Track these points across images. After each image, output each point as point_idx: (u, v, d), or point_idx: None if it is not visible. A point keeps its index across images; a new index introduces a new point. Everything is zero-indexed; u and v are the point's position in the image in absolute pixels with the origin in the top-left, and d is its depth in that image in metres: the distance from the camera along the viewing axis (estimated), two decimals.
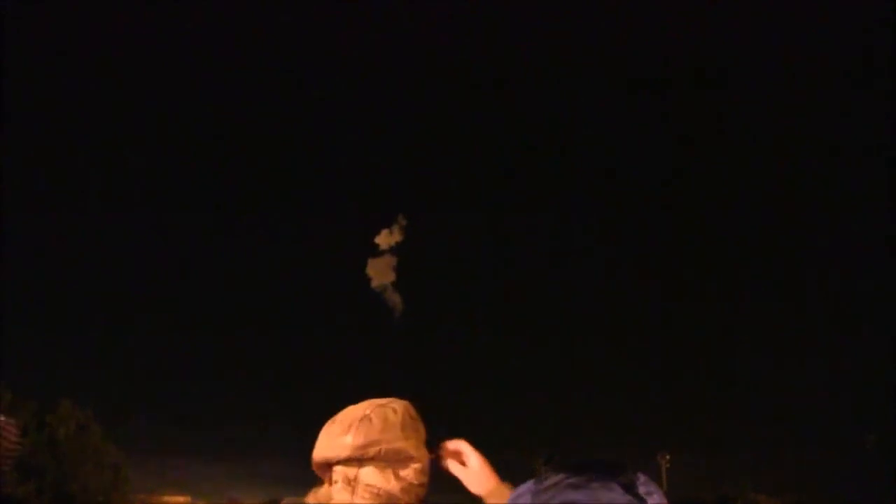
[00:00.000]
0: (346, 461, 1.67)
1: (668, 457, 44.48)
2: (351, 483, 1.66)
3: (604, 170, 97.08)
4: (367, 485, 1.65)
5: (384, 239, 68.70)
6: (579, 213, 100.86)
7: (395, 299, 71.04)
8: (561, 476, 1.05)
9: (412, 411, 1.78)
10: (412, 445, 1.71)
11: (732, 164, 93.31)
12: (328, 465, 1.71)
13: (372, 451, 1.66)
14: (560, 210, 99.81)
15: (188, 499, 63.29)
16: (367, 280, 70.17)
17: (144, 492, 40.50)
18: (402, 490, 1.67)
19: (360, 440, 1.66)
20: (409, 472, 1.69)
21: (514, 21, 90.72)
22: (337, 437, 1.69)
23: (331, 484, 1.72)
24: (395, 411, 1.74)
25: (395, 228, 68.90)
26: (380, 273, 70.09)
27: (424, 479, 1.71)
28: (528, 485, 1.07)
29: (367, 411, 1.72)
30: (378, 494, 1.65)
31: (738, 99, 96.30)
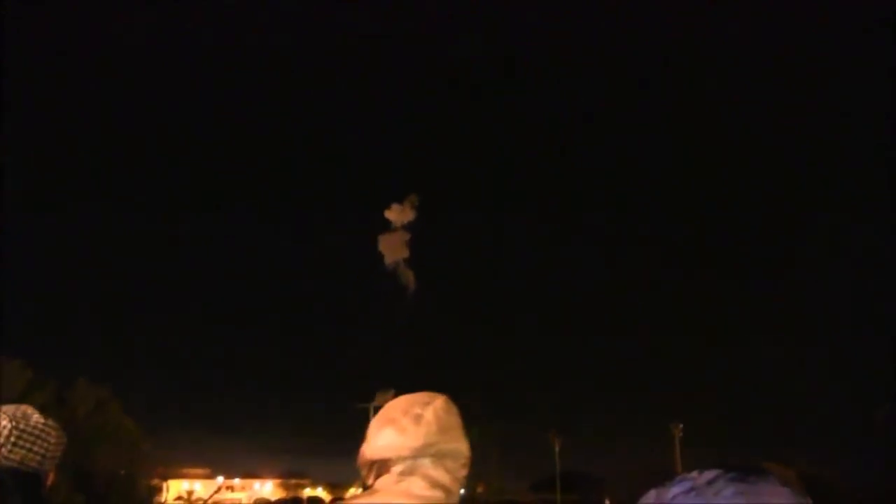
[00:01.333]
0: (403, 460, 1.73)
1: (681, 426, 44.64)
2: (405, 476, 1.72)
3: (615, 157, 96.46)
4: (424, 475, 1.72)
5: (396, 214, 68.05)
6: (596, 197, 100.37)
7: (407, 276, 70.67)
8: (716, 472, 0.99)
9: (454, 408, 1.85)
10: (463, 443, 1.79)
11: (742, 151, 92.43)
12: (381, 463, 1.76)
13: (431, 450, 1.72)
14: (577, 190, 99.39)
15: (207, 471, 64.14)
16: (380, 258, 69.67)
17: (164, 465, 41.05)
18: (452, 481, 1.74)
19: (420, 441, 1.72)
20: (458, 465, 1.76)
21: (518, 19, 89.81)
22: (395, 436, 1.74)
23: (376, 477, 1.77)
24: (445, 410, 1.81)
25: (407, 205, 68.22)
26: (392, 249, 69.54)
27: (467, 470, 1.79)
28: (683, 484, 1.00)
29: (419, 410, 1.78)
30: (433, 486, 1.71)
31: (743, 91, 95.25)
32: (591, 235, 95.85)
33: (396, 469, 1.72)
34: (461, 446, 1.77)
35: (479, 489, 60.62)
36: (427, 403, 1.78)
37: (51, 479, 2.44)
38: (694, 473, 1.00)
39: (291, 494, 63.04)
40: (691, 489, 0.98)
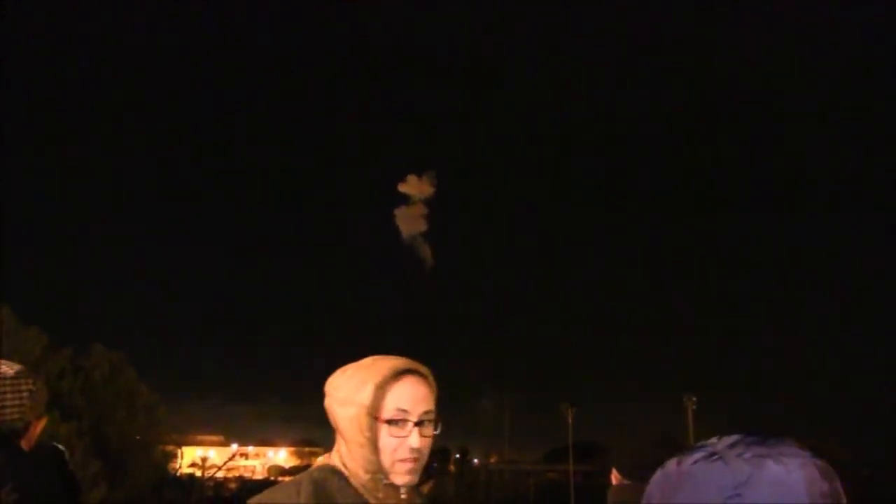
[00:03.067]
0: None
1: (694, 399, 44.57)
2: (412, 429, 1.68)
3: (626, 140, 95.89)
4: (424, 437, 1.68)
5: (412, 187, 67.59)
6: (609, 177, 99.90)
7: (424, 250, 70.44)
8: (737, 437, 1.01)
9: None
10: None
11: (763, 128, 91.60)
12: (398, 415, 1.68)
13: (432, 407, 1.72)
14: (589, 167, 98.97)
15: (221, 438, 64.81)
16: (398, 232, 69.35)
17: (179, 432, 41.42)
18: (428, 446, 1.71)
19: (434, 394, 1.72)
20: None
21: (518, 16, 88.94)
22: (420, 388, 1.71)
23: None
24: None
25: (425, 179, 67.74)
26: (409, 223, 69.18)
27: None
28: (704, 450, 1.01)
29: (423, 370, 1.75)
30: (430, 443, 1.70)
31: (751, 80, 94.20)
32: (607, 208, 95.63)
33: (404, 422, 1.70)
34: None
35: (493, 459, 61.07)
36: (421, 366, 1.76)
37: (38, 427, 2.35)
38: (713, 439, 1.03)
39: (305, 462, 63.76)
40: (713, 454, 0.99)
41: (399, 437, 1.65)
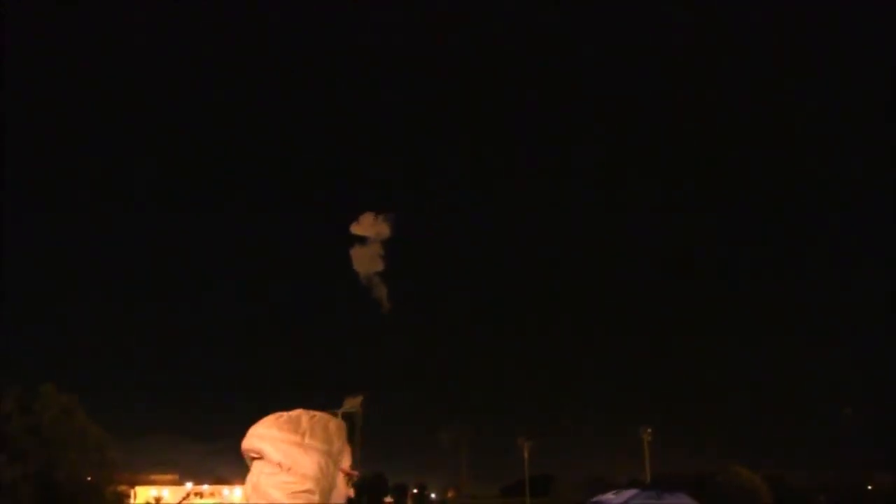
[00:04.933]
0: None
1: (649, 430, 45.00)
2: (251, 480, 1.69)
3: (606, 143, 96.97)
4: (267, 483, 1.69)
5: (365, 228, 67.36)
6: (582, 192, 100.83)
7: (381, 291, 69.99)
8: (634, 492, 1.17)
9: (334, 424, 1.80)
10: (312, 454, 1.73)
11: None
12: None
13: (272, 441, 1.71)
14: (557, 186, 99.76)
15: (175, 476, 63.56)
16: (355, 274, 68.88)
17: (131, 471, 40.63)
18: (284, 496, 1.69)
19: (270, 429, 1.72)
20: (294, 479, 1.70)
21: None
22: (261, 426, 1.73)
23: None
24: (320, 419, 1.78)
25: (381, 218, 67.56)
26: (366, 262, 68.82)
27: (306, 493, 1.73)
28: (608, 495, 1.15)
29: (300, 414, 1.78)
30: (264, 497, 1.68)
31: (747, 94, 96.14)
32: (572, 233, 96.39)
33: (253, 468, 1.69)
34: (300, 454, 1.69)
35: (450, 494, 60.72)
36: (312, 414, 1.76)
37: None
38: (610, 494, 1.10)
39: None
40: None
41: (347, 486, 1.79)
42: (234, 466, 71.34)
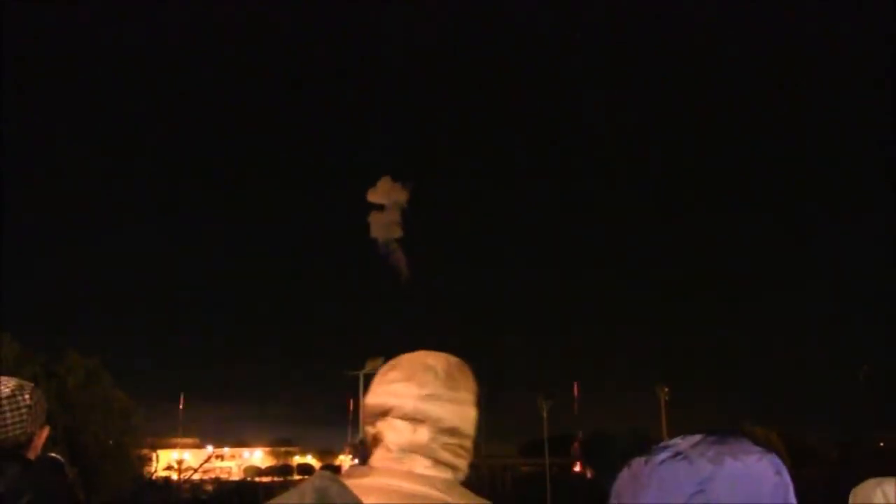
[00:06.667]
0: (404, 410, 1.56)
1: (666, 389, 45.08)
2: (406, 453, 1.54)
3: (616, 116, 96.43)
4: (426, 452, 1.55)
5: (382, 195, 66.71)
6: (590, 166, 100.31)
7: (399, 257, 69.67)
8: (699, 437, 1.13)
9: (468, 370, 1.68)
10: (469, 407, 1.62)
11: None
12: (381, 413, 1.58)
13: (435, 404, 1.56)
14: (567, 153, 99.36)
15: (196, 440, 64.36)
16: (373, 241, 68.46)
17: (154, 435, 41.15)
18: (455, 456, 1.59)
19: (426, 389, 1.56)
20: (460, 439, 1.59)
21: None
22: (400, 382, 1.57)
23: (373, 445, 1.59)
24: (458, 366, 1.65)
25: (398, 185, 66.90)
26: (384, 229, 68.32)
27: (471, 443, 1.64)
28: (669, 450, 1.12)
29: (431, 361, 1.62)
30: (436, 464, 1.55)
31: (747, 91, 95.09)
32: (584, 199, 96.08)
33: (394, 432, 1.54)
34: (467, 410, 1.59)
35: None
36: (440, 356, 1.64)
37: (42, 437, 2.50)
38: (677, 440, 1.13)
39: (281, 462, 63.56)
40: (677, 453, 1.10)
41: None
42: (254, 429, 72.19)
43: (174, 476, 48.97)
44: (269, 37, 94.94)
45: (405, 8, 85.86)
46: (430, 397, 1.54)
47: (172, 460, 53.37)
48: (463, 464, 1.58)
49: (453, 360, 1.65)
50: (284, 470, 57.52)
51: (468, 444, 1.59)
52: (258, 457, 67.93)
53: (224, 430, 69.91)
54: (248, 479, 55.32)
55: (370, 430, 1.58)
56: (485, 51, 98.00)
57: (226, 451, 67.75)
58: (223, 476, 58.25)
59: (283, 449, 68.08)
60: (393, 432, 1.54)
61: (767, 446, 1.14)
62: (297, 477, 50.00)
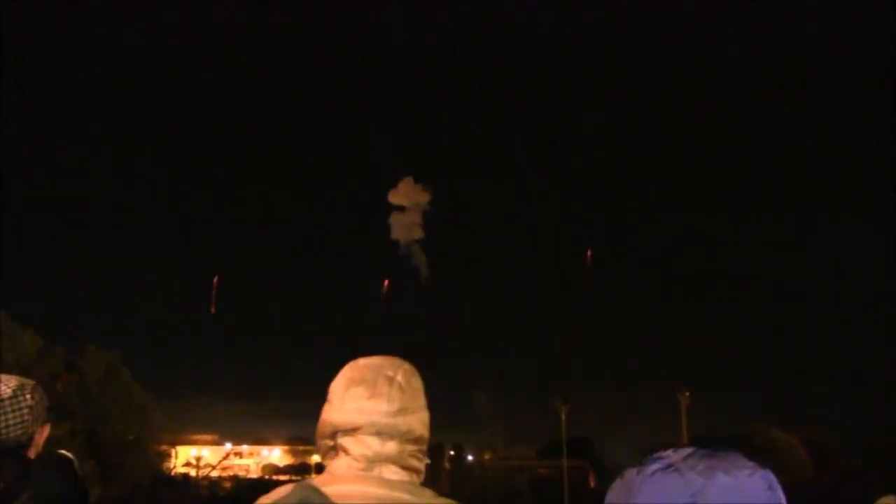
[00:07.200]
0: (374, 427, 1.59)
1: (687, 394, 44.76)
2: (374, 463, 1.58)
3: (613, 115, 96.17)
4: (394, 459, 1.59)
5: (404, 196, 66.79)
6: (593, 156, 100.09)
7: (420, 259, 69.80)
8: (691, 450, 1.11)
9: (417, 374, 1.69)
10: (425, 413, 1.66)
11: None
12: (348, 431, 1.61)
13: (402, 418, 1.59)
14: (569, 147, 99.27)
15: (215, 436, 64.71)
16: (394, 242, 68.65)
17: (172, 431, 41.45)
18: (419, 461, 1.64)
19: (395, 405, 1.58)
20: (418, 447, 1.64)
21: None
22: (367, 399, 1.60)
23: (336, 451, 1.64)
24: (412, 374, 1.68)
25: (420, 186, 66.96)
26: (405, 230, 68.44)
27: (426, 447, 1.67)
28: (661, 461, 1.11)
29: (391, 373, 1.64)
30: (405, 469, 1.60)
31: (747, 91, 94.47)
32: (595, 196, 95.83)
33: (361, 446, 1.56)
34: (424, 416, 1.63)
35: (487, 456, 61.17)
36: (395, 364, 1.65)
37: (42, 435, 2.45)
38: (669, 451, 1.12)
39: (300, 460, 63.77)
40: (669, 465, 1.09)
41: None
42: (272, 427, 72.40)
43: (193, 472, 49.29)
44: (269, 37, 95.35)
45: (405, 8, 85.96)
46: (399, 412, 1.58)
47: (191, 457, 53.74)
48: (423, 466, 1.62)
49: (406, 366, 1.68)
50: (302, 469, 57.68)
51: (426, 446, 1.64)
52: (277, 455, 68.14)
53: (243, 428, 70.17)
54: (267, 477, 55.52)
55: (328, 442, 1.63)
56: (485, 51, 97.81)
57: (245, 448, 68.01)
58: (241, 474, 58.51)
59: (301, 447, 68.25)
60: (360, 446, 1.57)
61: (771, 455, 1.13)
62: (314, 476, 50.07)
